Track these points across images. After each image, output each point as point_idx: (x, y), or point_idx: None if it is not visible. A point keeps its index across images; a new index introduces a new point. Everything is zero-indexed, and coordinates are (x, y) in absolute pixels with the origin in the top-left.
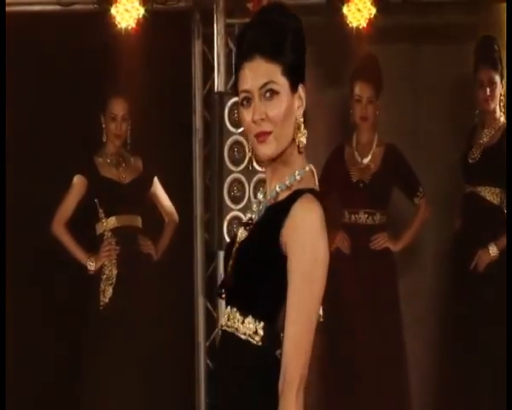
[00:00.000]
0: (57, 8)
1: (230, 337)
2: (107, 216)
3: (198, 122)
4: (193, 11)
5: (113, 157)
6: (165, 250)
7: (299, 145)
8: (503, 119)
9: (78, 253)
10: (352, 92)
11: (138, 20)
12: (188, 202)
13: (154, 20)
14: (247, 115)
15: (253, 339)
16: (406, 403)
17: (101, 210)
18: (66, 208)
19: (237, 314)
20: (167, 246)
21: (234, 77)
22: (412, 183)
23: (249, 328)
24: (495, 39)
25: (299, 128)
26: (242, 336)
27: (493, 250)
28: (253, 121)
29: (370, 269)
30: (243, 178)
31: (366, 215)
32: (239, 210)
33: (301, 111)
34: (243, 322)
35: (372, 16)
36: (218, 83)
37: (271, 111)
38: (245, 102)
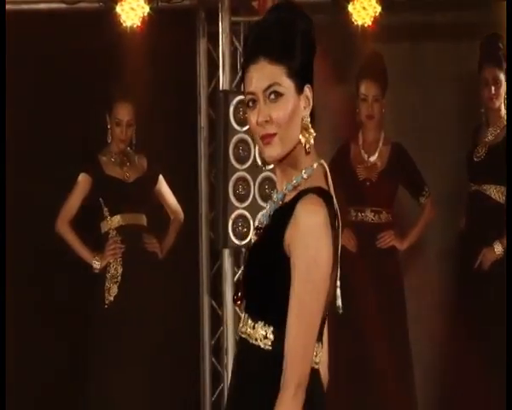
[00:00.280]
0: (63, 6)
1: (244, 343)
2: (112, 215)
3: (203, 120)
4: (198, 9)
5: (118, 156)
6: (170, 249)
7: (305, 146)
8: None
9: (82, 252)
10: (358, 91)
11: (143, 18)
12: (193, 200)
13: (159, 18)
14: (252, 117)
15: (264, 344)
16: (412, 400)
17: (105, 209)
18: (71, 207)
19: (249, 320)
20: (172, 244)
21: (242, 78)
22: (418, 182)
23: (260, 333)
24: (500, 37)
25: (306, 129)
26: (254, 342)
27: (498, 248)
28: (258, 123)
29: (376, 267)
30: (248, 177)
31: (372, 213)
32: (244, 208)
33: (308, 112)
34: (254, 327)
35: (377, 14)
36: (223, 81)
37: (276, 113)
38: (250, 104)
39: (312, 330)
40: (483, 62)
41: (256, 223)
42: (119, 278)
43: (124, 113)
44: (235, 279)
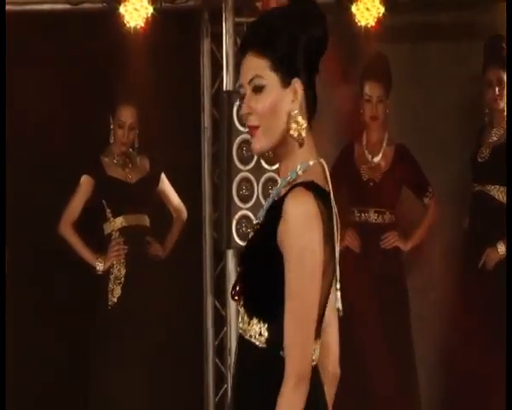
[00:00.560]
0: (66, 6)
1: (241, 339)
2: (115, 216)
3: (206, 121)
4: (201, 10)
5: (120, 157)
6: (174, 249)
7: (298, 139)
8: None
9: (85, 253)
10: (362, 92)
11: (147, 19)
12: (196, 200)
13: (162, 18)
14: (242, 109)
15: (259, 341)
16: (414, 400)
17: (108, 210)
18: (74, 209)
19: (245, 316)
20: (176, 244)
21: None
22: (421, 182)
23: (255, 329)
24: (504, 38)
25: (295, 122)
26: (249, 338)
27: (502, 249)
28: (243, 115)
29: (380, 267)
30: (252, 177)
31: (376, 214)
32: (247, 209)
33: (296, 105)
34: (249, 323)
35: (381, 15)
36: (227, 82)
37: (256, 105)
38: (243, 97)
39: (309, 322)
40: (487, 63)
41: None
42: (123, 279)
43: (127, 115)
44: None
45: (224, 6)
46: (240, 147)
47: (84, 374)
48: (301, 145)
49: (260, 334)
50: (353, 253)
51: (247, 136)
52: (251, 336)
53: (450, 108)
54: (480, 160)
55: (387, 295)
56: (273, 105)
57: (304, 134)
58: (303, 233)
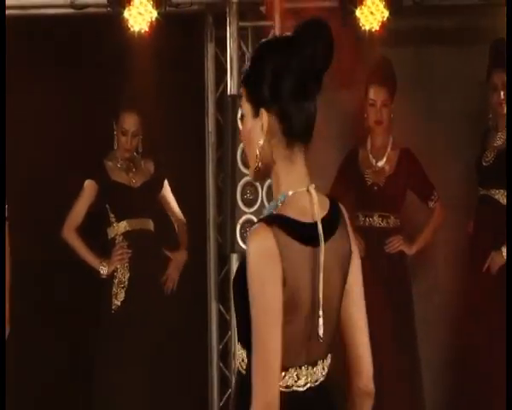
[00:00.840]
0: (70, 11)
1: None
2: (119, 220)
3: (211, 125)
4: (206, 14)
5: (124, 162)
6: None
7: (265, 168)
8: None
9: (89, 257)
10: (367, 96)
11: (151, 23)
12: (200, 204)
13: (166, 23)
14: None
15: (241, 366)
16: (419, 404)
17: (112, 215)
18: (77, 214)
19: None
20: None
21: None
22: (426, 187)
23: (239, 355)
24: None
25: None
26: (237, 363)
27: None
28: None
29: (384, 272)
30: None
31: (380, 218)
32: (252, 213)
33: (262, 136)
34: (238, 348)
35: (385, 19)
36: (231, 86)
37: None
38: None
39: (269, 353)
40: (492, 67)
41: None
42: (126, 283)
43: (130, 123)
44: None
45: (228, 10)
46: (244, 151)
47: (85, 376)
48: (281, 174)
49: (242, 360)
50: None
51: None
52: (238, 360)
53: (454, 112)
54: (484, 164)
55: (392, 299)
56: (248, 134)
57: (271, 163)
58: (253, 272)
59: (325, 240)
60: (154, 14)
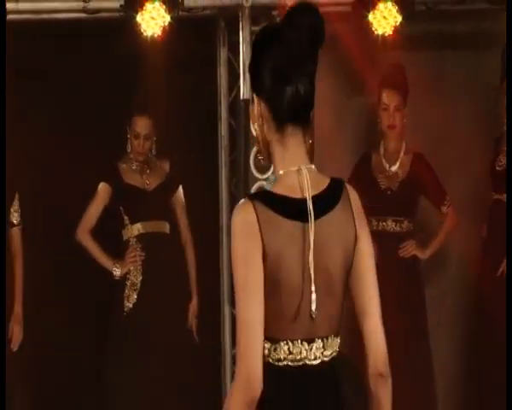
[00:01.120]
0: (82, 15)
1: None
2: (132, 223)
3: (223, 129)
4: (218, 18)
5: (138, 164)
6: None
7: (259, 149)
8: None
9: (103, 259)
10: (380, 100)
11: (164, 27)
12: (213, 209)
13: (179, 27)
14: None
15: None
16: (433, 407)
17: (126, 217)
18: (91, 216)
19: None
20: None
21: None
22: (439, 191)
23: None
24: None
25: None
26: None
27: None
28: None
29: (398, 276)
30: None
31: (394, 223)
32: None
33: (257, 121)
34: None
35: (398, 24)
36: (244, 90)
37: None
38: None
39: (248, 324)
40: (504, 72)
41: None
42: (139, 285)
43: (142, 126)
44: None
45: (240, 14)
46: (257, 156)
47: (97, 377)
48: (275, 156)
49: None
50: None
51: None
52: None
53: (467, 117)
54: (498, 168)
55: (405, 303)
56: (252, 118)
57: (265, 145)
58: (237, 243)
59: (317, 217)
60: (167, 18)
